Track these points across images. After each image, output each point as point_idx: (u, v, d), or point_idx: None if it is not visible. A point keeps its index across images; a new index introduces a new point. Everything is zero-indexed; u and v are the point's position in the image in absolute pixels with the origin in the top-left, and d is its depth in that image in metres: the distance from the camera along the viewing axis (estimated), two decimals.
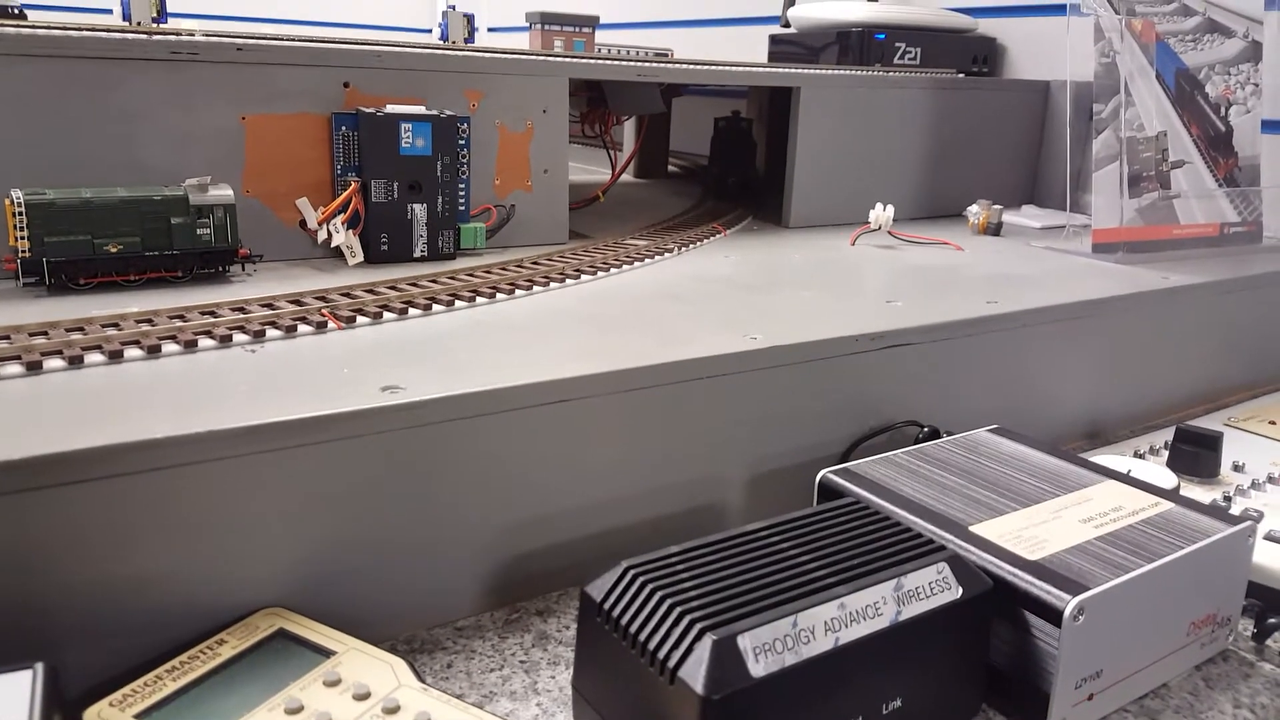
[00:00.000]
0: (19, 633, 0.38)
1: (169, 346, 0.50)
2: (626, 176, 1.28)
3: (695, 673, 0.33)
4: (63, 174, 0.61)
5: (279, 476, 0.42)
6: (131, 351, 0.49)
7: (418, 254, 0.73)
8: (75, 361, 0.47)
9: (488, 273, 0.69)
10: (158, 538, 0.40)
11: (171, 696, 0.37)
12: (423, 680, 0.39)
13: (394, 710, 0.37)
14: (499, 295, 0.64)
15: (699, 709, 0.33)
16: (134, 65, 0.63)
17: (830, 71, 0.99)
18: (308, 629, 0.42)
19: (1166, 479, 0.57)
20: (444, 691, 0.39)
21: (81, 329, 0.51)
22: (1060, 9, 0.90)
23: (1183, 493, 0.53)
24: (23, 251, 0.57)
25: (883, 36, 1.12)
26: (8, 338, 0.49)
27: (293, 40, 0.71)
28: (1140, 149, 0.87)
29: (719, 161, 1.21)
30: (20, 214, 0.56)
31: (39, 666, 0.34)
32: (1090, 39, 0.87)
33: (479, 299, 0.63)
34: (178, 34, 0.66)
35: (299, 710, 0.37)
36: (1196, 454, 0.61)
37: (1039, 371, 0.70)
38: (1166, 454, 0.64)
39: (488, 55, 0.77)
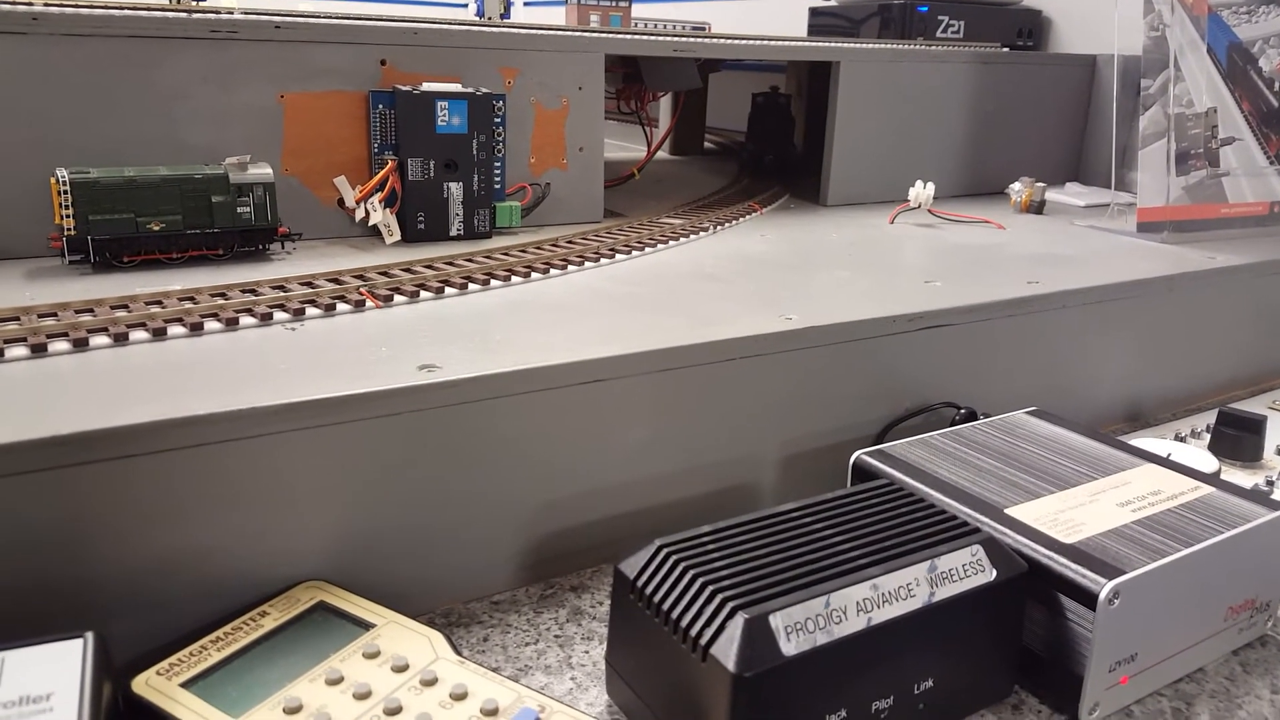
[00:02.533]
0: (69, 603, 0.39)
1: (211, 324, 0.51)
2: (662, 153, 1.27)
3: (727, 650, 0.34)
4: (106, 153, 0.62)
5: (319, 453, 0.43)
6: (175, 329, 0.50)
7: (454, 233, 0.73)
8: (120, 339, 0.48)
9: (523, 251, 0.69)
10: (202, 512, 0.41)
11: (216, 666, 0.38)
12: (459, 653, 0.40)
13: (431, 682, 0.38)
14: (534, 274, 0.65)
15: (730, 686, 0.33)
16: (174, 44, 0.64)
17: (871, 45, 0.97)
18: (348, 602, 0.42)
19: (1207, 463, 0.56)
20: (480, 664, 0.39)
21: (126, 306, 0.52)
22: None
23: (1224, 477, 0.52)
24: (68, 230, 0.58)
25: (925, 9, 1.10)
26: (55, 315, 0.50)
27: (330, 18, 0.71)
28: (1189, 125, 0.85)
29: (756, 138, 1.20)
30: (65, 193, 0.57)
31: (89, 636, 0.35)
32: (1139, 11, 0.85)
33: (514, 278, 0.63)
34: (217, 12, 0.67)
35: (339, 681, 0.37)
36: (1239, 437, 0.60)
37: (1079, 353, 0.69)
38: (1208, 437, 0.63)
39: (523, 32, 0.76)
